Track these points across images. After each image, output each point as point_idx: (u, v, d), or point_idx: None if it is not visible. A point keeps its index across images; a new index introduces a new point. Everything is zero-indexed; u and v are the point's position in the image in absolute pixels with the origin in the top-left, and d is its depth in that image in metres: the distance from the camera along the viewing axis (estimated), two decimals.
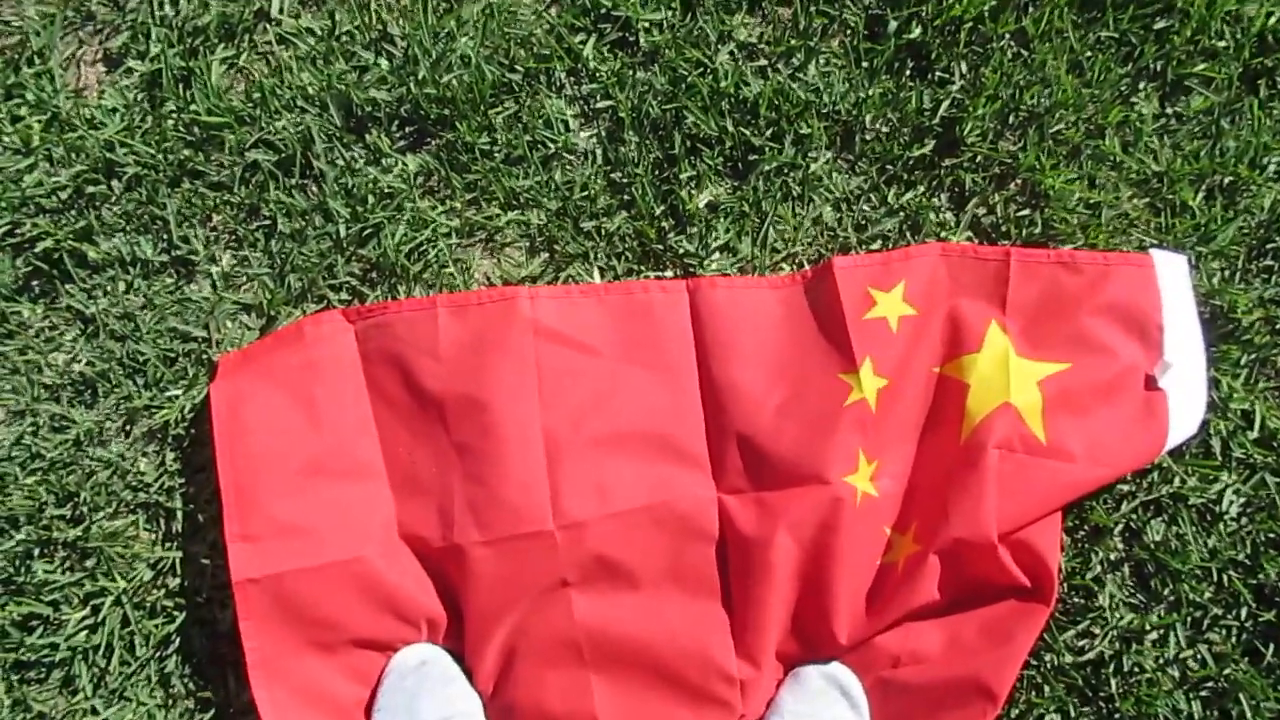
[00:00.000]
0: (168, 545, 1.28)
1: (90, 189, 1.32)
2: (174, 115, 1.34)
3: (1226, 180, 1.32)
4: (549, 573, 1.21)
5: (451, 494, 1.23)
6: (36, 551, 1.26)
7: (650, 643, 1.22)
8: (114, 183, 1.33)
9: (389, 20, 1.37)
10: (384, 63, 1.36)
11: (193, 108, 1.33)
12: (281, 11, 1.39)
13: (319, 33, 1.38)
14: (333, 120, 1.34)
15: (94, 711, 1.25)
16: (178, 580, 1.27)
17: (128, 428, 1.29)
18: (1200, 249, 1.30)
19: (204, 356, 1.29)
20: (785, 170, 1.33)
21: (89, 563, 1.26)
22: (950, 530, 1.16)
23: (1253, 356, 1.28)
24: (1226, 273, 1.31)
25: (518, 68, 1.35)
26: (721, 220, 1.32)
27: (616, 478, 1.24)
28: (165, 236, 1.32)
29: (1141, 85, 1.34)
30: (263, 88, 1.33)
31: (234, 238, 1.33)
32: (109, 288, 1.31)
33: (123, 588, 1.25)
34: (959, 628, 1.19)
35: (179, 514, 1.26)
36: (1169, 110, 1.34)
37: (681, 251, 1.31)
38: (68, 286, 1.31)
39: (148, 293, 1.31)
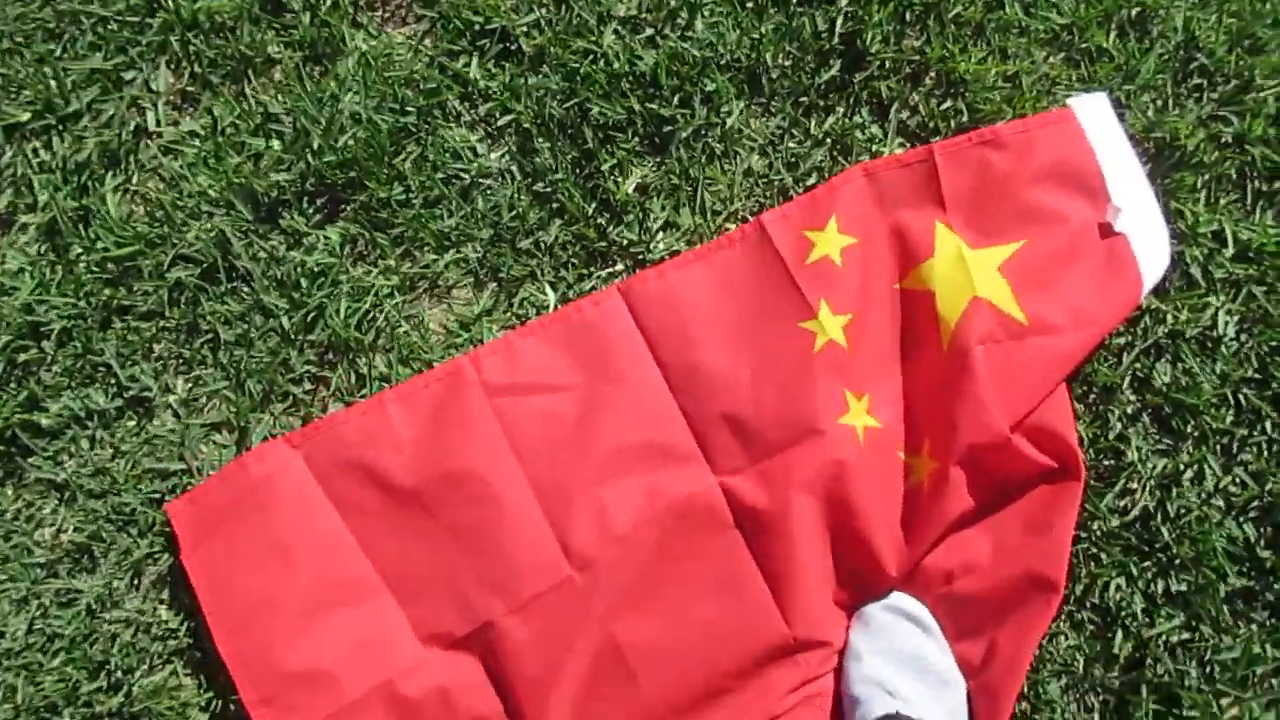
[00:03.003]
0: (214, 685, 1.32)
1: (22, 356, 1.36)
2: (83, 258, 1.38)
3: (1134, 12, 1.39)
4: (583, 618, 1.25)
5: (460, 577, 1.27)
6: None
7: (702, 648, 1.27)
8: (44, 343, 1.36)
9: (268, 101, 1.42)
10: (275, 144, 1.40)
11: (100, 244, 1.38)
12: (159, 124, 1.43)
13: (202, 133, 1.42)
14: (243, 215, 1.38)
15: None
16: (234, 713, 1.31)
17: (136, 581, 1.34)
18: (1127, 88, 1.37)
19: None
20: (702, 132, 1.39)
21: None
22: (962, 438, 1.22)
23: (1207, 177, 1.35)
24: (1159, 103, 1.38)
25: (409, 109, 1.40)
26: (655, 199, 1.38)
27: (615, 500, 1.28)
28: (113, 381, 1.36)
29: None
30: (163, 204, 1.38)
31: (181, 362, 1.38)
32: (72, 449, 1.36)
33: None
34: (1001, 528, 1.25)
35: (212, 651, 1.32)
36: None
37: (625, 242, 1.37)
38: (30, 460, 1.35)
39: (113, 442, 1.36)
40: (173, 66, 1.44)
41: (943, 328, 1.26)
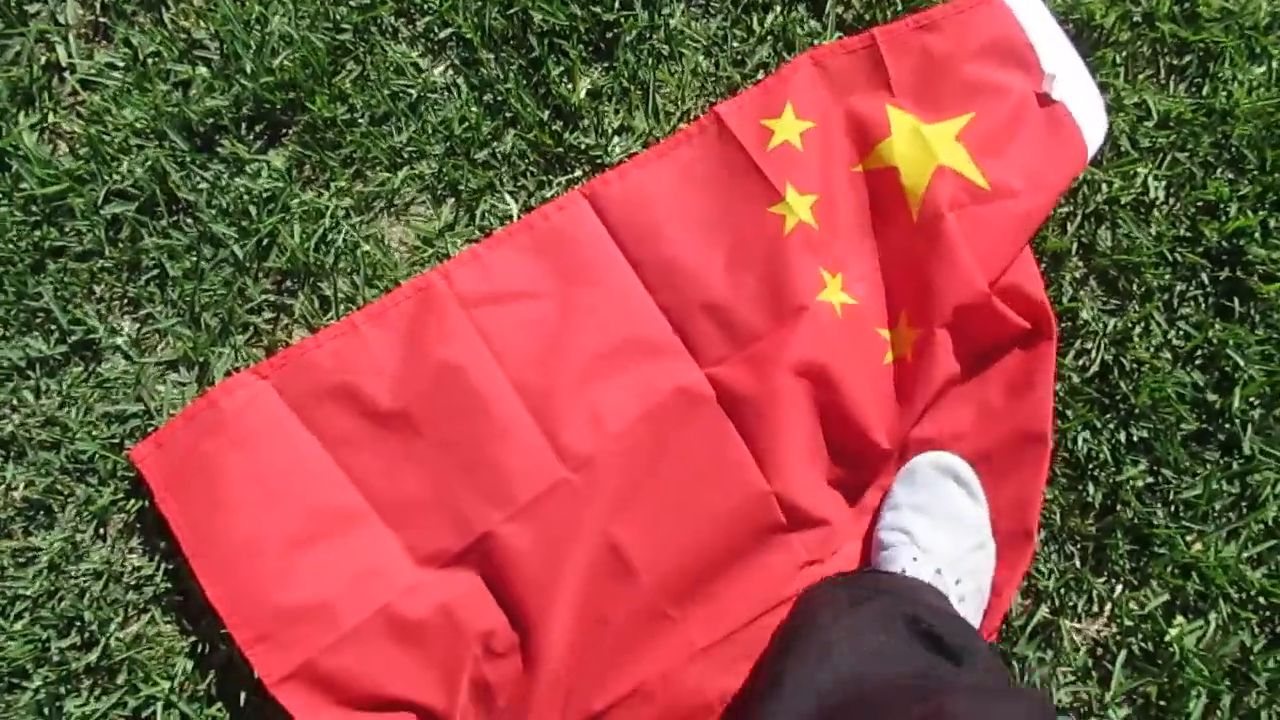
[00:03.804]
0: (197, 627, 1.28)
1: None
2: (4, 201, 1.31)
3: None
4: (581, 518, 1.26)
5: (454, 491, 1.27)
6: (62, 690, 1.25)
7: (698, 535, 1.29)
8: None
9: (189, 27, 1.38)
10: (204, 70, 1.36)
11: (23, 186, 1.31)
12: (72, 57, 1.38)
13: (122, 64, 1.37)
14: (177, 145, 1.34)
15: None
16: (224, 652, 1.27)
17: (101, 531, 1.28)
18: None
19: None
20: (646, 35, 1.41)
21: (121, 679, 1.25)
22: (943, 300, 1.27)
23: (1124, 53, 1.45)
24: None
25: (344, 27, 1.38)
26: (607, 104, 1.40)
27: (604, 400, 1.30)
28: (54, 326, 1.30)
29: None
30: (89, 139, 1.32)
31: (127, 300, 1.33)
32: (16, 401, 1.29)
33: (168, 688, 1.25)
34: (983, 393, 1.32)
35: (194, 594, 1.28)
36: None
37: (583, 147, 1.38)
38: None
39: (61, 390, 1.29)
40: None
41: (910, 199, 1.32)
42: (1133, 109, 1.43)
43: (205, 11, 1.38)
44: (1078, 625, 1.34)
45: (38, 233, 1.31)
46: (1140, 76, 1.45)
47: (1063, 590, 1.34)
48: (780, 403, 1.29)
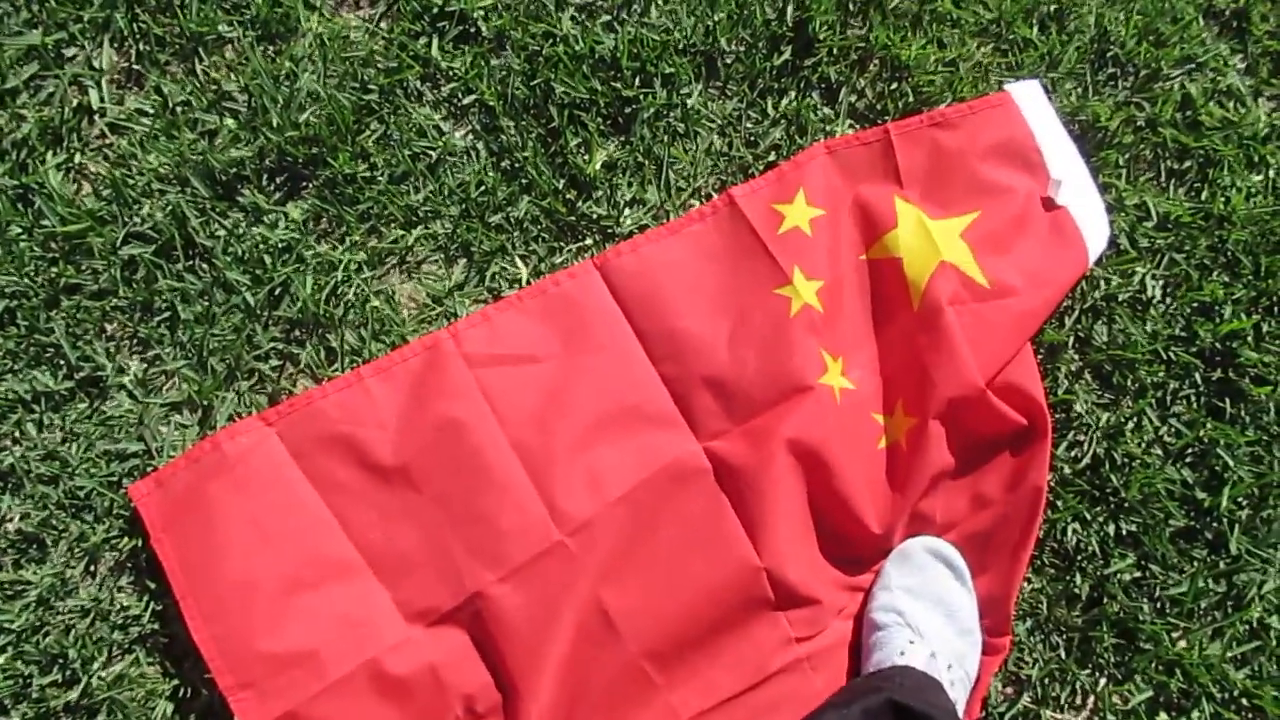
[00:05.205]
0: (180, 671, 1.27)
1: None
2: (24, 237, 1.34)
3: (1052, 8, 1.54)
4: (573, 584, 1.27)
5: (448, 549, 1.28)
6: None
7: (686, 604, 1.30)
8: None
9: (220, 79, 1.42)
10: (230, 121, 1.40)
11: (44, 223, 1.34)
12: (103, 101, 1.41)
13: (151, 111, 1.41)
14: (199, 192, 1.37)
15: None
16: (205, 698, 1.27)
17: (92, 568, 1.28)
18: (1052, 75, 1.50)
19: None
20: (664, 112, 1.45)
21: (100, 719, 1.26)
22: (939, 392, 1.30)
23: (1127, 155, 1.49)
24: (1080, 90, 1.52)
25: (371, 88, 1.42)
26: (621, 176, 1.44)
27: (603, 466, 1.31)
28: (62, 362, 1.32)
29: None
30: (112, 181, 1.35)
31: (136, 341, 1.35)
32: (18, 433, 1.30)
33: None
34: (977, 486, 1.34)
35: (180, 637, 1.27)
36: None
37: (595, 216, 1.41)
38: None
39: (64, 425, 1.31)
40: (116, 44, 1.42)
41: (912, 291, 1.35)
42: (1133, 209, 1.47)
43: (237, 65, 1.42)
44: (1060, 716, 1.35)
45: (54, 269, 1.33)
46: (1141, 179, 1.49)
47: (1046, 680, 1.35)
48: (775, 480, 1.31)
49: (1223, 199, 1.46)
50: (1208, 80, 1.52)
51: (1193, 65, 1.52)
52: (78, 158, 1.39)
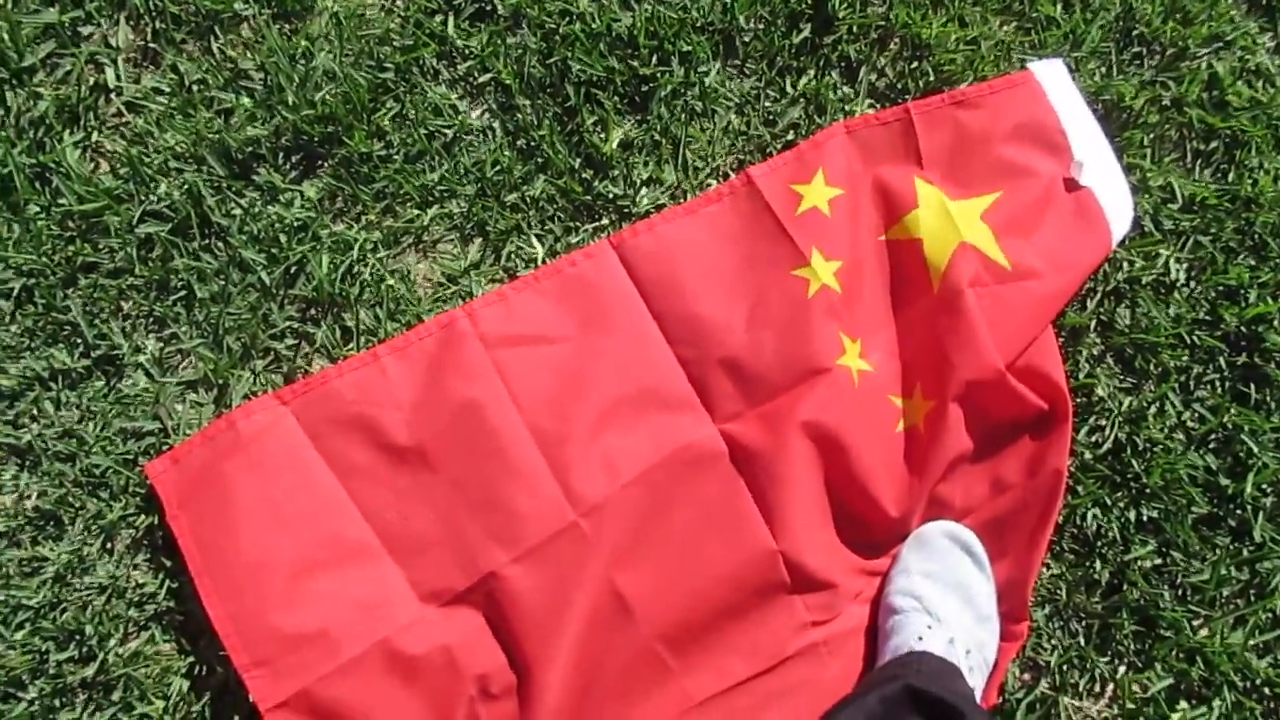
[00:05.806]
0: (195, 648, 1.28)
1: None
2: (42, 215, 1.34)
3: None
4: (587, 564, 1.27)
5: (462, 530, 1.27)
6: (57, 704, 1.25)
7: (700, 587, 1.29)
8: (2, 303, 1.32)
9: (237, 57, 1.41)
10: (247, 100, 1.39)
11: (61, 201, 1.34)
12: (119, 80, 1.41)
13: (168, 89, 1.40)
14: (215, 171, 1.36)
15: None
16: (220, 675, 1.27)
17: (109, 545, 1.29)
18: (1076, 55, 1.48)
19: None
20: (681, 91, 1.44)
21: (116, 695, 1.25)
22: (958, 374, 1.28)
23: (1152, 135, 1.47)
24: (1104, 69, 1.49)
25: (387, 66, 1.41)
26: (638, 155, 1.42)
27: (618, 448, 1.31)
28: (79, 340, 1.32)
29: None
30: (129, 160, 1.35)
31: (152, 319, 1.35)
32: (35, 411, 1.31)
33: (162, 708, 1.25)
34: (997, 471, 1.33)
35: (195, 614, 1.28)
36: None
37: (611, 195, 1.40)
38: None
39: (80, 403, 1.31)
40: (133, 23, 1.42)
41: (932, 272, 1.33)
42: (1158, 191, 1.44)
43: (253, 43, 1.42)
44: (1078, 704, 1.33)
45: (71, 247, 1.33)
46: (1167, 159, 1.47)
47: (1065, 667, 1.34)
48: (792, 463, 1.30)
49: (1250, 181, 1.44)
50: (1235, 59, 1.49)
51: (1220, 44, 1.49)
52: (94, 136, 1.39)
